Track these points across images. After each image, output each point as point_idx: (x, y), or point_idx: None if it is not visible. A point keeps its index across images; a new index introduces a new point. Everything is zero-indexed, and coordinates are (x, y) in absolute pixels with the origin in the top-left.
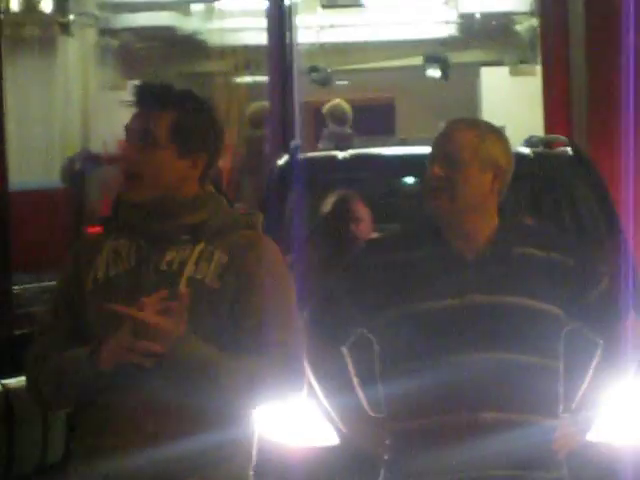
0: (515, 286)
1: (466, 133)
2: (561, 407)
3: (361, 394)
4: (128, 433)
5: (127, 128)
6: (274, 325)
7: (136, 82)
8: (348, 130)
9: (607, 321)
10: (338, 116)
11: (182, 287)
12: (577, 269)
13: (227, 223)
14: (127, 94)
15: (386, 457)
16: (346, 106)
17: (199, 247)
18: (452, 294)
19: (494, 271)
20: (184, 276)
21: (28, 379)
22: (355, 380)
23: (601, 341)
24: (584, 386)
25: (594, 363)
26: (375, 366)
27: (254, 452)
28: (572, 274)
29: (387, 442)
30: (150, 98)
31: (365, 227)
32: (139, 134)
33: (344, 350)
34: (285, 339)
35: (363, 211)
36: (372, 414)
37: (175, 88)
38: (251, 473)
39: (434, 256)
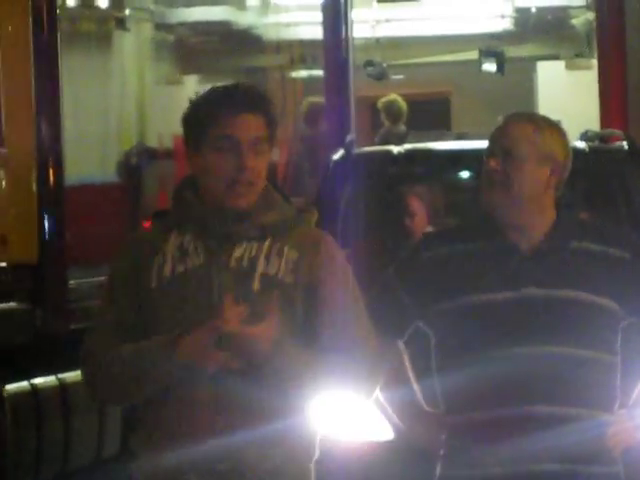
0: (572, 280)
1: (524, 127)
2: (618, 402)
3: (417, 388)
4: (198, 429)
5: (230, 134)
6: (350, 321)
7: (192, 78)
8: (402, 127)
9: None
10: (394, 113)
11: (256, 284)
12: (634, 264)
13: (290, 220)
14: (182, 90)
15: (442, 452)
16: (402, 102)
17: (267, 243)
18: (508, 287)
19: (550, 265)
20: (257, 272)
21: (87, 373)
22: (411, 374)
23: None
24: None
25: None
26: (431, 360)
27: (316, 447)
28: (629, 269)
29: (443, 437)
30: (252, 102)
31: (420, 221)
32: (252, 142)
33: (400, 344)
34: (364, 335)
35: (417, 206)
36: (428, 409)
37: (256, 88)
38: (311, 466)
39: (490, 249)
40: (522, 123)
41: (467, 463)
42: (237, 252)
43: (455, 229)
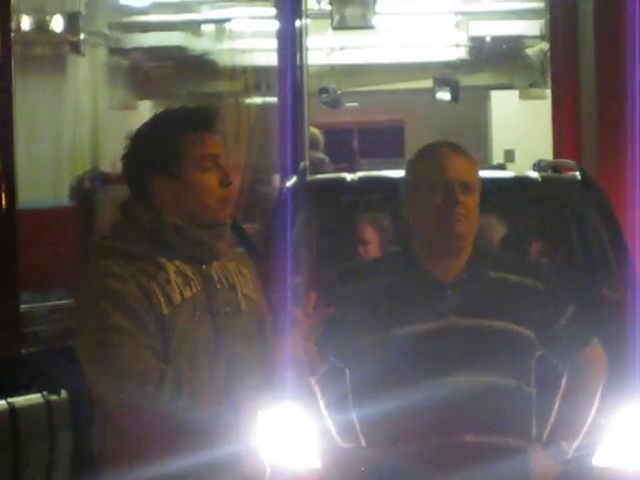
0: (492, 309)
1: (463, 157)
2: (534, 431)
3: (331, 424)
4: (154, 452)
5: (212, 154)
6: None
7: (146, 104)
8: (320, 154)
9: (572, 348)
10: (311, 141)
11: (243, 304)
12: (547, 294)
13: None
14: (136, 115)
15: None
16: (316, 132)
17: (224, 261)
18: (431, 317)
19: (471, 295)
20: (238, 292)
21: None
22: (324, 411)
23: (565, 370)
24: (553, 414)
25: (560, 392)
26: (348, 395)
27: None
28: (542, 299)
29: (362, 469)
30: (212, 121)
31: (374, 249)
32: (222, 157)
33: (312, 381)
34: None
35: (371, 233)
36: (343, 444)
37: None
38: None
39: (410, 281)
40: (460, 153)
41: None
42: (214, 272)
43: (370, 263)
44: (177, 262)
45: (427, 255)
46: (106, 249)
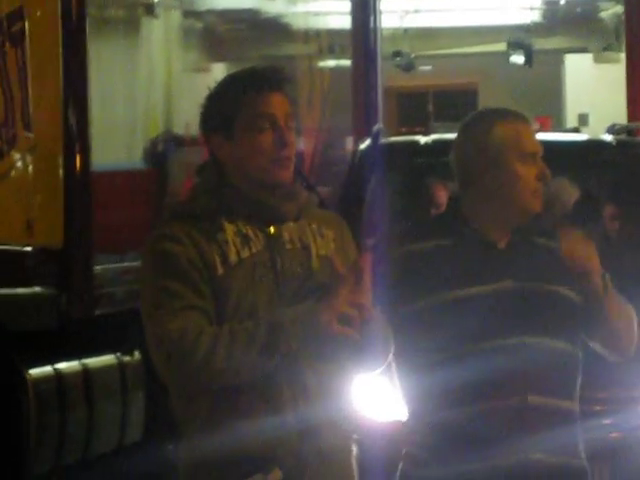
0: (542, 273)
1: (530, 125)
2: (596, 396)
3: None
4: (264, 411)
5: (267, 113)
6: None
7: (219, 68)
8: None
9: None
10: None
11: (315, 264)
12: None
13: (312, 200)
14: (210, 77)
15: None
16: None
17: (304, 223)
18: (488, 280)
19: (522, 258)
20: (313, 252)
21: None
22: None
23: None
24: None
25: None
26: (410, 357)
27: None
28: (560, 260)
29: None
30: (280, 82)
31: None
32: (286, 118)
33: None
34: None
35: (444, 196)
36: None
37: (283, 70)
38: (353, 446)
39: (466, 244)
40: (528, 122)
41: (440, 462)
42: (286, 233)
43: (424, 225)
44: (239, 223)
45: (482, 219)
46: (173, 211)
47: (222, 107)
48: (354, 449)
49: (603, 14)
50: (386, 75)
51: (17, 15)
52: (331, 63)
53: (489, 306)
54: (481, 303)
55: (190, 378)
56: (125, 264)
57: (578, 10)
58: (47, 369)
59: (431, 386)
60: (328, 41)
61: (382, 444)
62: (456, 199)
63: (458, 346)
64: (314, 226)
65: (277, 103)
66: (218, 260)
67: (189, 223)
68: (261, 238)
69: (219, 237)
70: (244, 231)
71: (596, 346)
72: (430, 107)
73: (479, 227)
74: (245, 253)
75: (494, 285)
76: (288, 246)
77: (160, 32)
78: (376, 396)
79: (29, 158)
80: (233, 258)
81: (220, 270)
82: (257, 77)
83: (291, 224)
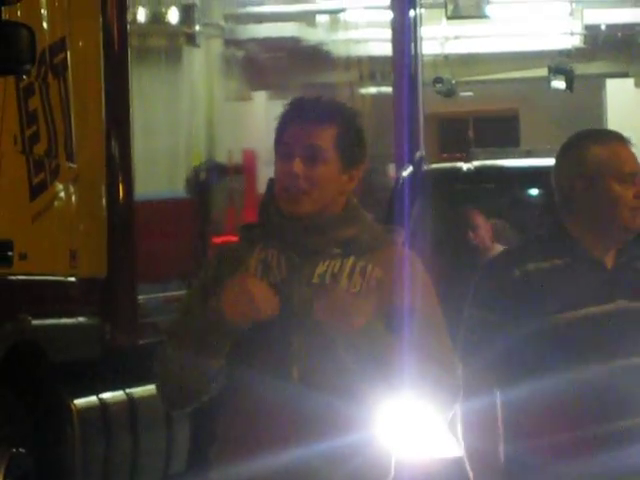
0: None
1: (629, 146)
2: None
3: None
4: (272, 443)
5: (287, 143)
6: (432, 342)
7: (260, 97)
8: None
9: None
10: None
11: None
12: None
13: (375, 238)
14: (252, 106)
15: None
16: None
17: (350, 261)
18: (602, 300)
19: (630, 279)
20: (339, 290)
21: (157, 380)
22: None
23: None
24: None
25: None
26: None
27: (391, 465)
28: None
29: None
30: (312, 112)
31: (483, 235)
32: (306, 149)
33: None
34: (446, 354)
35: (480, 220)
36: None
37: (331, 100)
38: None
39: (576, 265)
40: (626, 143)
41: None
42: (320, 269)
43: (532, 246)
44: (270, 250)
45: (588, 239)
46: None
47: (275, 131)
48: None
49: None
50: (427, 101)
51: (60, 46)
52: (372, 90)
53: (602, 326)
54: (595, 323)
55: (166, 404)
56: (168, 293)
57: (619, 35)
58: (92, 399)
59: (543, 407)
60: (369, 68)
61: None
62: (556, 220)
63: (571, 367)
64: (362, 263)
65: (300, 133)
66: None
67: (233, 247)
68: (284, 270)
69: (247, 262)
70: (269, 260)
71: None
72: (470, 133)
73: (588, 247)
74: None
75: (608, 305)
76: (315, 280)
77: (202, 61)
78: (418, 433)
79: (72, 189)
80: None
81: None
82: (296, 108)
83: (328, 260)
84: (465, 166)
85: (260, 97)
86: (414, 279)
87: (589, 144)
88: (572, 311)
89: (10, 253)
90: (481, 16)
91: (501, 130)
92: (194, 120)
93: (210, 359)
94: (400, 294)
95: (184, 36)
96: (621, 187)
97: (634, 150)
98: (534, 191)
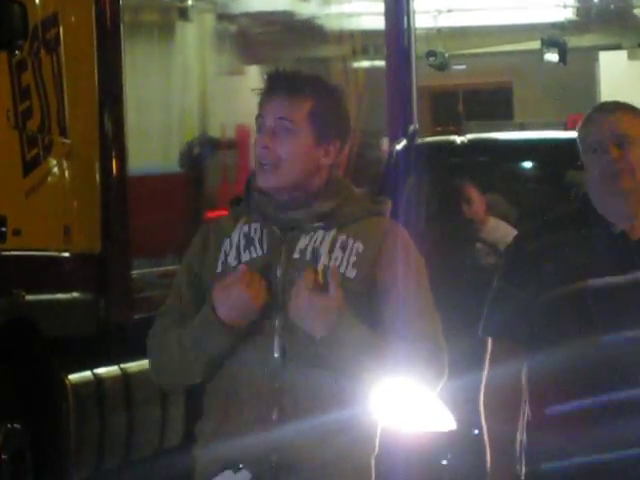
0: None
1: (628, 113)
2: None
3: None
4: (252, 420)
5: (260, 116)
6: (417, 314)
7: (253, 71)
8: None
9: None
10: None
11: (319, 278)
12: None
13: (358, 210)
14: (245, 80)
15: (519, 448)
16: None
17: (331, 234)
18: (622, 271)
19: None
20: (319, 265)
21: (149, 360)
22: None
23: None
24: None
25: None
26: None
27: (376, 440)
28: None
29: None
30: (285, 85)
31: (477, 208)
32: (276, 122)
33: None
34: (431, 330)
35: (474, 193)
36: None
37: (308, 74)
38: (372, 462)
39: (598, 236)
40: (624, 110)
41: (550, 456)
42: (301, 242)
43: (554, 219)
44: (254, 225)
45: (608, 210)
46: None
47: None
48: (371, 469)
49: (637, 11)
50: (420, 75)
51: (52, 21)
52: (365, 64)
53: (620, 296)
54: (613, 293)
55: (159, 380)
56: (162, 268)
57: (612, 7)
58: (86, 374)
59: (559, 375)
60: (362, 42)
61: (410, 462)
62: (585, 193)
63: (590, 335)
64: (343, 237)
65: (272, 106)
66: (221, 259)
67: (217, 222)
68: (266, 245)
69: (231, 236)
70: (252, 235)
71: None
72: (460, 106)
73: (611, 219)
74: (244, 257)
75: (628, 276)
76: (296, 256)
77: (194, 36)
78: (405, 406)
79: (66, 164)
80: (232, 260)
81: (219, 269)
82: (271, 80)
83: (310, 234)
84: (459, 139)
85: (253, 71)
86: (399, 251)
87: (587, 117)
88: (590, 280)
89: (4, 229)
90: None
91: (494, 103)
92: (187, 95)
93: (205, 357)
94: (384, 267)
95: (177, 10)
96: (593, 157)
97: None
98: (528, 164)
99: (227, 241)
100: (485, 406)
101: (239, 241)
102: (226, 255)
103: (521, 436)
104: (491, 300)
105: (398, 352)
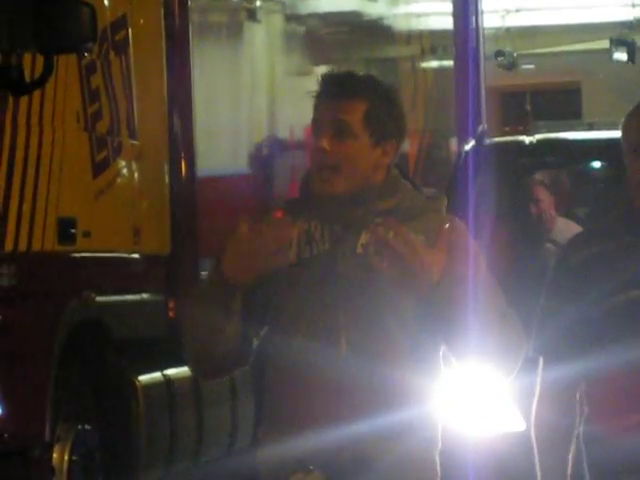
0: None
1: None
2: None
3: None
4: (321, 417)
5: (317, 119)
6: (485, 301)
7: (322, 71)
8: None
9: None
10: None
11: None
12: None
13: (416, 207)
14: (313, 81)
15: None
16: None
17: (392, 231)
18: None
19: None
20: (384, 259)
21: (183, 346)
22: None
23: None
24: None
25: None
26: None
27: (439, 437)
28: None
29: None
30: (341, 87)
31: (546, 208)
32: (333, 125)
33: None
34: (500, 312)
35: (543, 193)
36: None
37: (362, 75)
38: (437, 458)
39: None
40: None
41: (627, 467)
42: (362, 238)
43: (597, 230)
44: (313, 222)
45: None
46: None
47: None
48: (437, 466)
49: None
50: (489, 75)
51: (121, 23)
52: (434, 64)
53: None
54: None
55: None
56: None
57: None
58: (156, 375)
59: (619, 387)
60: (430, 42)
61: (477, 460)
62: (627, 197)
63: (630, 347)
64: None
65: (330, 109)
66: None
67: (288, 216)
68: (327, 241)
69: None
70: (312, 232)
71: None
72: (528, 106)
73: None
74: (305, 254)
75: None
76: (359, 250)
77: (262, 36)
78: (471, 406)
79: (135, 166)
80: (293, 257)
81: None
82: (328, 83)
83: (367, 231)
84: (527, 139)
85: (321, 72)
86: (460, 245)
87: (628, 115)
88: (633, 291)
89: (73, 231)
90: None
91: (563, 103)
92: (256, 96)
93: (221, 315)
94: (451, 259)
95: (245, 11)
96: (632, 157)
97: None
98: (597, 164)
99: (286, 241)
100: (537, 437)
101: (299, 238)
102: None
103: (577, 446)
104: (540, 318)
105: (472, 335)
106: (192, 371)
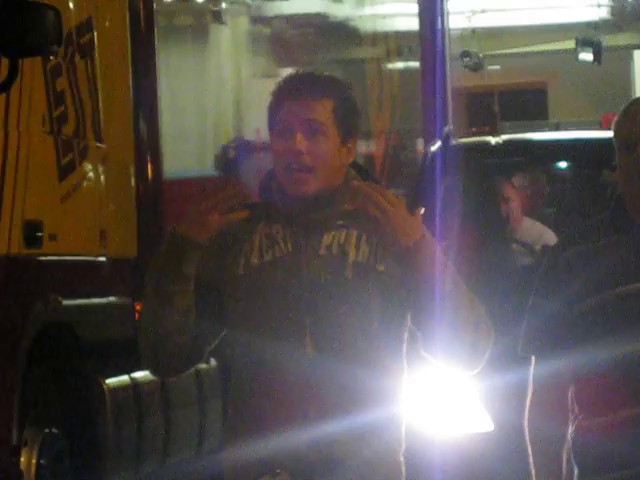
0: None
1: None
2: None
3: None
4: (288, 419)
5: (283, 120)
6: (450, 295)
7: (288, 71)
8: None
9: None
10: None
11: (349, 272)
12: None
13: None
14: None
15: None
16: None
17: (355, 231)
18: None
19: None
20: (349, 260)
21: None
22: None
23: None
24: None
25: None
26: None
27: (403, 436)
28: None
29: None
30: (307, 87)
31: (515, 207)
32: (304, 125)
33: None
34: (468, 304)
35: (512, 192)
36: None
37: (325, 75)
38: (402, 459)
39: (631, 241)
40: None
41: (616, 462)
42: (326, 239)
43: (585, 227)
44: (275, 225)
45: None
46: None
47: (269, 108)
48: (402, 467)
49: None
50: (455, 76)
51: (86, 26)
52: (400, 65)
53: None
54: None
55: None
56: None
57: None
58: (124, 378)
59: (607, 382)
60: (396, 43)
61: (442, 461)
62: (618, 195)
63: (621, 343)
64: (365, 234)
65: (301, 109)
66: (242, 261)
67: (238, 222)
68: (290, 244)
69: (251, 238)
70: (274, 235)
71: None
72: (496, 107)
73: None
74: (267, 257)
75: None
76: (322, 252)
77: (228, 39)
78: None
79: (101, 168)
80: (255, 261)
81: (241, 271)
82: (294, 82)
83: (333, 231)
84: (494, 140)
85: (287, 74)
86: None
87: (620, 112)
88: (622, 287)
89: (40, 234)
90: None
91: (529, 103)
92: (222, 98)
93: (171, 285)
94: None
95: (210, 14)
96: (625, 153)
97: None
98: (563, 164)
99: (247, 243)
100: (529, 435)
101: (261, 242)
102: (247, 256)
103: (569, 444)
104: (529, 316)
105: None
106: (146, 366)
